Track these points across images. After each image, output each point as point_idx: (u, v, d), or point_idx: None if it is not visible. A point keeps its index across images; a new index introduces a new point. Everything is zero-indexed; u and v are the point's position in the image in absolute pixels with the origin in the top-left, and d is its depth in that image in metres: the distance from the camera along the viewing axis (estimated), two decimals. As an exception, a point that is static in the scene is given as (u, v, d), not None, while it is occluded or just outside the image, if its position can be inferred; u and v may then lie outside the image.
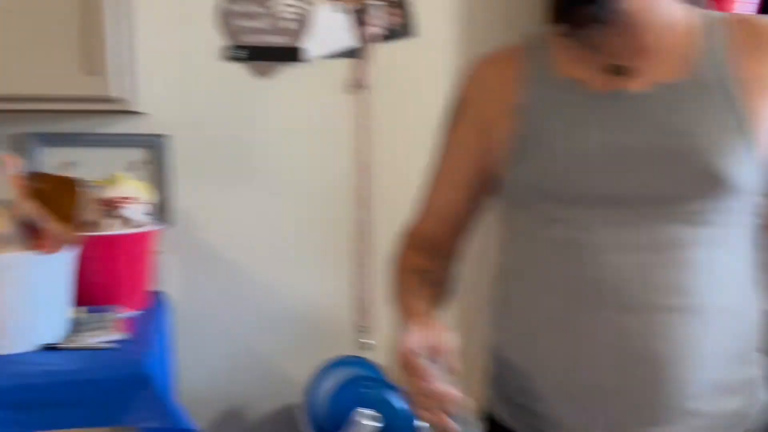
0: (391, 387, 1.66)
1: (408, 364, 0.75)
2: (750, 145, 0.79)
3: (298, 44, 1.81)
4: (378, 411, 1.56)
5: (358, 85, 1.85)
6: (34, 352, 1.24)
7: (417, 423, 1.66)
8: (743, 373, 0.85)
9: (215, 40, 1.79)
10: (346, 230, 1.91)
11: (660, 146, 0.80)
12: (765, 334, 0.87)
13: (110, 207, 1.53)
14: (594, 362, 0.81)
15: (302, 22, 1.81)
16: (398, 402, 1.62)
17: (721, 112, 0.80)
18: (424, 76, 1.89)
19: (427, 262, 0.95)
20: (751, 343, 0.85)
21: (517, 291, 0.90)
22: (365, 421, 1.51)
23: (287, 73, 1.83)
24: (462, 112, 0.97)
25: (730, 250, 0.82)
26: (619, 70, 0.84)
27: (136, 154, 1.78)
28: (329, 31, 1.82)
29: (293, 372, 1.86)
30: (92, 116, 1.73)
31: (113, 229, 1.52)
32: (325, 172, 1.90)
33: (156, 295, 1.70)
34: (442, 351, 0.76)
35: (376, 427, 1.52)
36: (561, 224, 0.84)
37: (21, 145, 1.70)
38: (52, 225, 1.26)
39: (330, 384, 1.67)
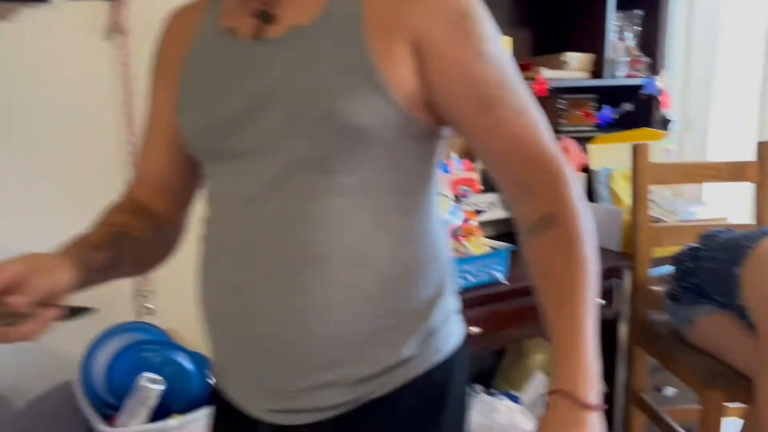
0: (177, 347, 1.61)
1: None
2: (379, 87, 0.74)
3: (40, -18, 1.60)
4: (164, 373, 1.50)
5: (115, 30, 1.69)
6: None
7: (209, 380, 1.63)
8: (393, 322, 0.80)
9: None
10: (115, 191, 1.77)
11: (286, 93, 0.76)
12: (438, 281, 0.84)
13: None
14: (231, 316, 0.81)
15: (43, -43, 1.60)
16: (185, 362, 1.58)
17: (346, 53, 0.75)
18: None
19: (127, 220, 0.87)
20: (404, 292, 0.81)
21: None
22: (150, 385, 1.45)
23: (30, 16, 1.62)
24: (156, 68, 0.92)
25: (364, 197, 0.77)
26: (263, 16, 0.80)
27: None
28: (77, -32, 1.64)
29: (67, 346, 1.71)
30: None
31: None
32: (85, 128, 1.72)
33: None
34: (15, 289, 0.69)
35: (161, 389, 1.46)
36: (210, 179, 0.85)
37: None
38: None
39: (108, 353, 1.57)
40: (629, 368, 2.05)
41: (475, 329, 1.80)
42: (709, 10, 3.31)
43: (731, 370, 1.64)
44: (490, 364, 2.45)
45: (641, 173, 1.98)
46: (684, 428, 2.24)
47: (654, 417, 1.93)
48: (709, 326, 1.72)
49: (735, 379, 1.63)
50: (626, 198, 2.27)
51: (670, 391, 2.19)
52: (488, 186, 2.46)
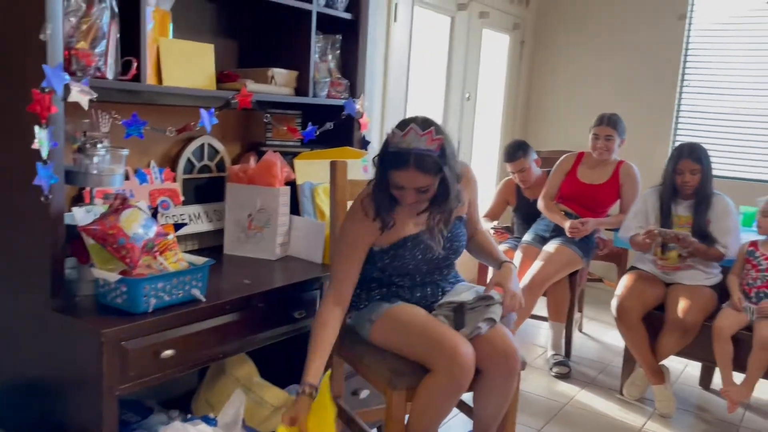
0: None
1: None
2: None
3: None
4: None
5: None
6: None
7: None
8: None
9: None
10: None
11: None
12: None
13: None
14: None
15: None
16: None
17: None
18: None
19: None
20: None
21: None
22: None
23: None
24: None
25: None
26: None
27: None
28: None
29: None
30: None
31: None
32: None
33: None
34: None
35: None
36: None
37: None
38: None
39: None
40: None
41: (168, 352, 1.69)
42: (404, 42, 3.68)
43: (412, 370, 1.80)
44: (192, 386, 2.34)
45: (339, 189, 2.09)
46: (377, 426, 2.41)
47: (348, 420, 2.03)
48: (388, 322, 1.87)
49: (416, 377, 1.79)
50: (328, 212, 2.38)
51: (364, 393, 2.34)
52: (190, 197, 2.36)
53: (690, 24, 4.63)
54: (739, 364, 2.71)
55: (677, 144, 2.95)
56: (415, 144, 1.75)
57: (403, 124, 1.79)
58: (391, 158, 1.79)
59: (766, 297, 2.74)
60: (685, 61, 4.69)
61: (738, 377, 2.73)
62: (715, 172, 2.96)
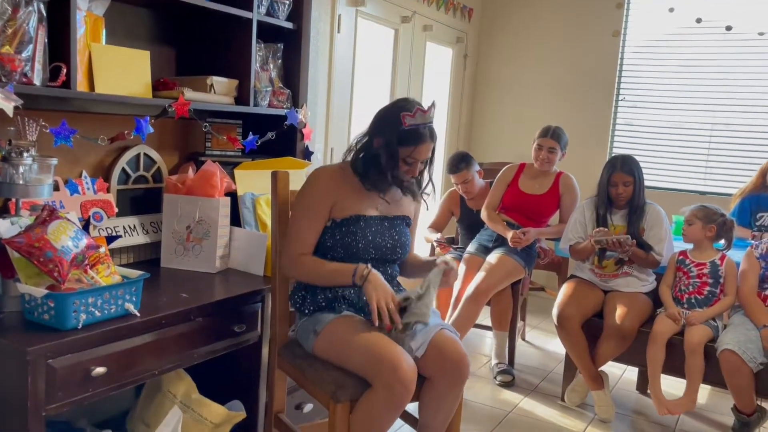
0: None
1: None
2: None
3: None
4: None
5: None
6: None
7: None
8: None
9: None
10: None
11: None
12: None
13: None
14: None
15: None
16: None
17: None
18: None
19: None
20: None
21: None
22: None
23: None
24: None
25: None
26: None
27: None
28: None
29: None
30: None
31: None
32: None
33: None
34: None
35: None
36: None
37: None
38: None
39: None
40: (270, 390, 2.08)
41: (100, 370, 1.61)
42: (348, 53, 3.67)
43: (355, 382, 1.78)
44: (126, 405, 2.25)
45: (281, 200, 2.05)
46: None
47: (291, 436, 1.99)
48: (331, 334, 1.84)
49: (359, 390, 1.76)
50: (270, 223, 2.34)
51: (307, 407, 2.30)
52: (125, 208, 2.28)
53: (624, 41, 4.81)
54: (673, 368, 2.80)
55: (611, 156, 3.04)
56: (431, 117, 1.89)
57: (411, 104, 1.89)
58: (411, 135, 1.86)
59: (697, 302, 2.85)
60: (620, 76, 4.86)
61: (673, 382, 2.82)
62: (648, 183, 3.06)
